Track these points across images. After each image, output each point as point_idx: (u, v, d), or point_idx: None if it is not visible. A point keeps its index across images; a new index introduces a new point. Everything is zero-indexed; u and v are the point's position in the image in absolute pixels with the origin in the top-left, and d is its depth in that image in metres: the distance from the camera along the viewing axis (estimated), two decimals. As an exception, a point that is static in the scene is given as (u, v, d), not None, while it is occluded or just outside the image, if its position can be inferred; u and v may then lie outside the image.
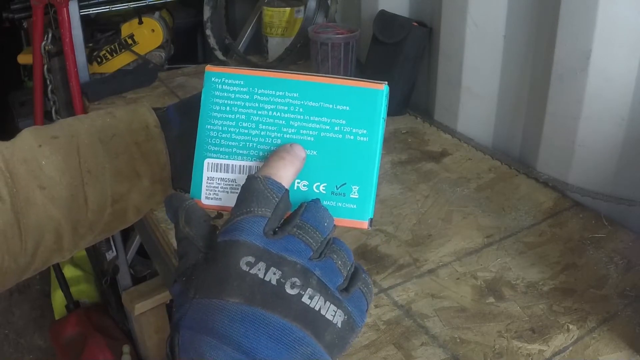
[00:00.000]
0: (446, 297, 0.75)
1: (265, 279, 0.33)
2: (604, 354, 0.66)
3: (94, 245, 1.59)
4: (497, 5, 1.04)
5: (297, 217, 0.36)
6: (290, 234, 0.35)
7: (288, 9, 1.51)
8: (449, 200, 0.97)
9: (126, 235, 1.64)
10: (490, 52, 1.09)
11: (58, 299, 1.77)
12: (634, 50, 0.84)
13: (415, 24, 1.22)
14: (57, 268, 1.72)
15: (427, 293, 0.76)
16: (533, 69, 1.04)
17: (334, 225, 0.38)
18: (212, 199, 0.41)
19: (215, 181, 0.41)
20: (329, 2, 1.53)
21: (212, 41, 1.61)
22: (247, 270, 0.33)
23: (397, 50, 1.22)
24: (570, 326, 0.70)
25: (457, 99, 1.17)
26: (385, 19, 1.27)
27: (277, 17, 1.52)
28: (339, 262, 0.36)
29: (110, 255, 1.57)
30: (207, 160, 0.41)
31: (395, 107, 1.26)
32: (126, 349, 1.59)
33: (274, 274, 0.33)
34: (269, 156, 0.39)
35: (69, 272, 1.79)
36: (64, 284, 1.71)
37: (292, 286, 0.33)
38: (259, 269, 0.33)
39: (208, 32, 1.62)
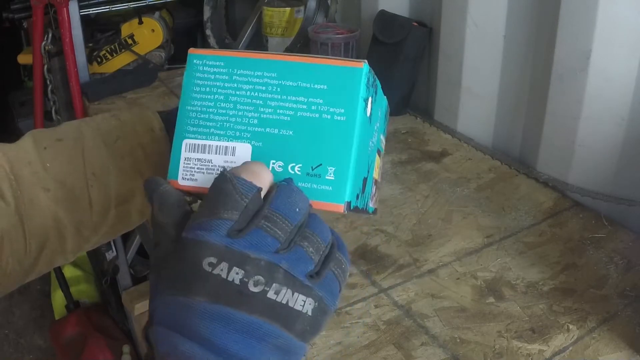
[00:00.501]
0: (446, 297, 0.75)
1: (228, 279, 0.32)
2: (604, 354, 0.66)
3: (94, 245, 1.60)
4: (497, 5, 1.04)
5: (266, 207, 0.35)
6: (257, 227, 0.34)
7: (288, 9, 1.51)
8: (449, 200, 0.97)
9: (126, 235, 1.63)
10: (490, 52, 1.09)
11: (58, 299, 1.77)
12: (634, 50, 0.84)
13: (415, 24, 1.22)
14: (57, 268, 1.71)
15: (427, 293, 0.76)
16: (533, 69, 1.04)
17: (309, 206, 0.37)
18: (188, 179, 0.40)
19: (192, 162, 0.40)
20: (329, 2, 1.53)
21: (212, 41, 1.61)
22: (210, 270, 0.33)
23: (397, 50, 1.22)
24: (570, 326, 0.70)
25: (457, 99, 1.17)
26: (385, 19, 1.27)
27: (277, 17, 1.52)
28: (310, 249, 0.35)
29: (110, 255, 1.57)
30: (185, 141, 0.41)
31: (395, 107, 1.26)
32: (126, 349, 1.58)
33: (237, 273, 0.32)
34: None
35: (69, 272, 1.79)
36: (64, 284, 1.71)
37: (256, 284, 0.33)
38: (222, 270, 0.33)
39: (208, 32, 1.62)
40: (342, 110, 0.38)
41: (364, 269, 0.81)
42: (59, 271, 1.71)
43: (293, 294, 0.33)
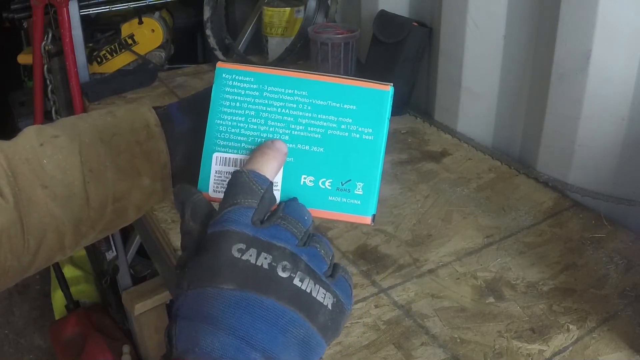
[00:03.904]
0: (446, 297, 0.75)
1: (257, 264, 0.34)
2: (604, 354, 0.66)
3: (94, 245, 1.60)
4: (497, 5, 1.04)
5: (279, 211, 0.38)
6: (276, 223, 0.36)
7: (288, 9, 1.51)
8: (449, 200, 0.97)
9: (126, 235, 1.64)
10: (490, 52, 1.09)
11: (58, 299, 1.77)
12: (634, 50, 0.84)
13: (415, 24, 1.22)
14: (57, 268, 1.72)
15: (427, 293, 0.76)
16: (533, 69, 1.04)
17: (312, 220, 0.39)
18: (219, 192, 0.42)
19: (224, 175, 0.42)
20: (329, 2, 1.53)
21: (212, 41, 1.61)
22: (239, 256, 0.34)
23: (397, 50, 1.22)
24: (570, 326, 0.70)
25: (457, 99, 1.17)
26: (385, 19, 1.27)
27: (277, 17, 1.52)
28: (322, 251, 0.37)
29: (110, 255, 1.57)
30: (215, 154, 0.42)
31: (395, 107, 1.24)
32: (126, 349, 1.59)
33: (265, 258, 0.34)
34: (253, 152, 0.40)
35: (69, 272, 1.79)
36: (64, 284, 1.71)
37: (284, 269, 0.34)
38: (250, 255, 0.34)
39: (208, 32, 1.62)
40: (370, 130, 0.41)
41: (364, 269, 0.81)
42: (59, 271, 1.71)
43: (315, 285, 0.35)
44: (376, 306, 0.74)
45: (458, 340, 0.69)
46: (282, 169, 0.41)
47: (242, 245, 0.34)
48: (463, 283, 0.78)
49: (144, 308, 1.46)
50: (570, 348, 0.67)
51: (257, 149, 0.40)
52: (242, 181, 0.37)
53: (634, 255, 0.82)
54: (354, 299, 0.75)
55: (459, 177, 1.03)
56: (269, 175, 0.38)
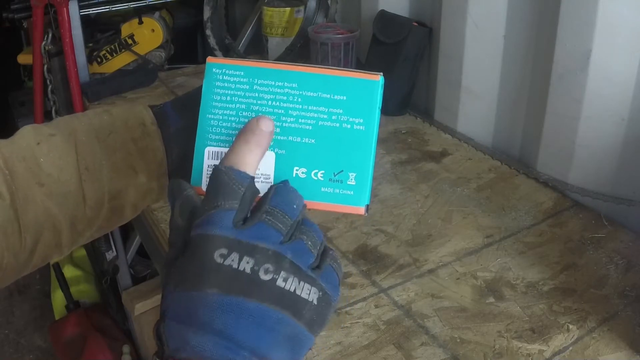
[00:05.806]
0: (446, 297, 0.75)
1: (239, 268, 0.34)
2: (604, 354, 0.66)
3: (93, 245, 1.60)
4: (497, 5, 1.04)
5: (266, 203, 0.37)
6: (260, 220, 0.36)
7: (288, 9, 1.51)
8: (449, 200, 0.97)
9: (126, 235, 1.64)
10: (490, 52, 1.09)
11: (58, 299, 1.77)
12: (634, 50, 0.84)
13: (415, 24, 1.22)
14: (57, 268, 1.72)
15: (427, 293, 0.76)
16: (533, 69, 1.04)
17: (304, 205, 0.39)
18: None
19: None
20: (329, 2, 1.53)
21: (212, 41, 1.61)
22: (222, 262, 0.34)
23: (397, 50, 1.22)
24: (570, 326, 0.70)
25: (457, 99, 1.17)
26: (385, 19, 1.27)
27: (277, 17, 1.52)
28: (309, 243, 0.37)
29: (110, 255, 1.57)
30: (208, 149, 0.42)
31: (395, 107, 1.26)
32: (126, 349, 1.59)
33: (247, 262, 0.34)
34: (235, 140, 0.39)
35: (69, 272, 1.79)
36: (64, 284, 1.71)
37: (266, 272, 0.34)
38: (233, 260, 0.34)
39: (208, 32, 1.62)
40: (361, 120, 0.41)
41: (364, 269, 0.81)
42: (59, 271, 1.71)
43: (299, 283, 0.35)
44: (376, 306, 0.74)
45: (458, 340, 0.69)
46: (274, 163, 0.41)
47: (224, 250, 0.34)
48: (463, 283, 0.78)
49: (144, 308, 1.46)
50: (570, 348, 0.67)
51: (240, 135, 0.39)
52: (221, 181, 0.36)
53: (634, 255, 0.82)
54: (354, 299, 0.75)
55: (459, 177, 1.03)
56: (250, 168, 0.37)
